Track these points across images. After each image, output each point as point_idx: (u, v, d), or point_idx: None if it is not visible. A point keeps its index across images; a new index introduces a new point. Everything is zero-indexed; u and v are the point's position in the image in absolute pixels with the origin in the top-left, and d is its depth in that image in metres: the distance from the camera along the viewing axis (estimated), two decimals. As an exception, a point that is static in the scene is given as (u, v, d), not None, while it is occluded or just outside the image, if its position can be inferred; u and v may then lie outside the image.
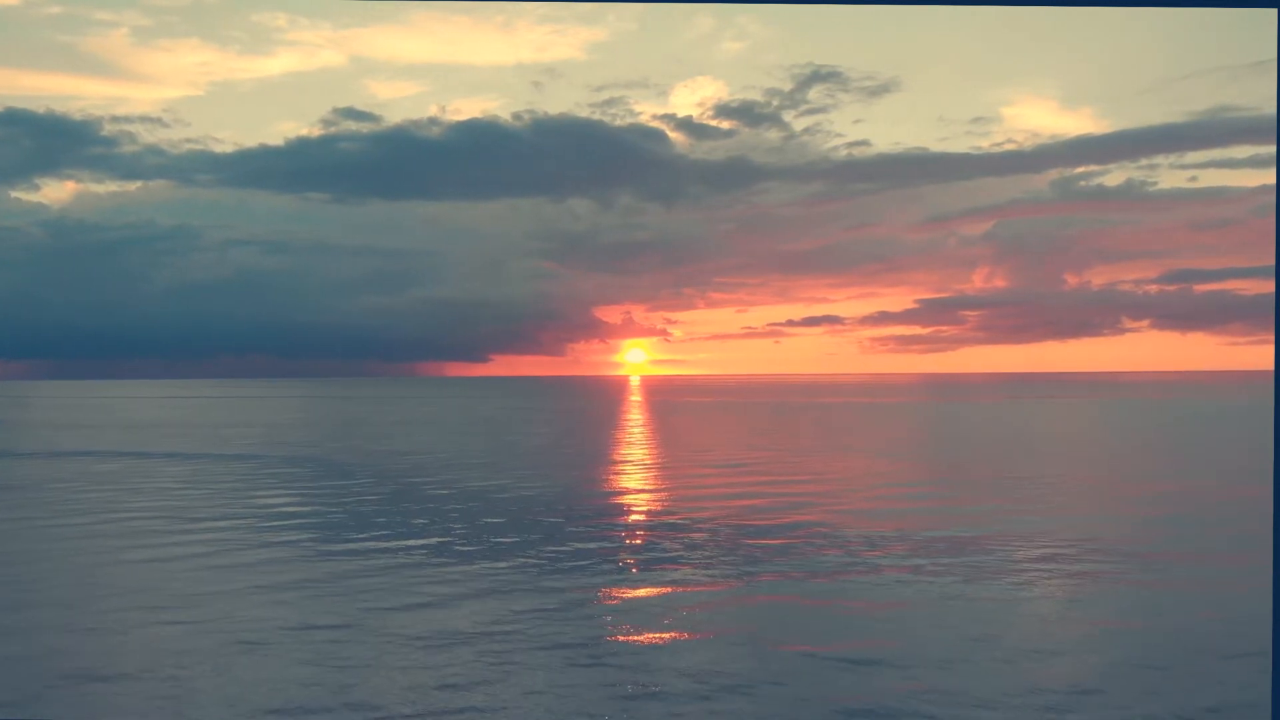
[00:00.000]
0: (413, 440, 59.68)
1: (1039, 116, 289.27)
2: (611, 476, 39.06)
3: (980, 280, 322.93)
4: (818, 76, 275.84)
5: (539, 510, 28.20)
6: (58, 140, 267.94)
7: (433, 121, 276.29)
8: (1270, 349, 3.80)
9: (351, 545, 22.74)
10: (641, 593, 18.01)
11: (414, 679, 13.09)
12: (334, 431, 69.98)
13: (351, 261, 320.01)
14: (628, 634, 15.18)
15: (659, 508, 29.67)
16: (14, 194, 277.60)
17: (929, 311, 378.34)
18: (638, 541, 23.63)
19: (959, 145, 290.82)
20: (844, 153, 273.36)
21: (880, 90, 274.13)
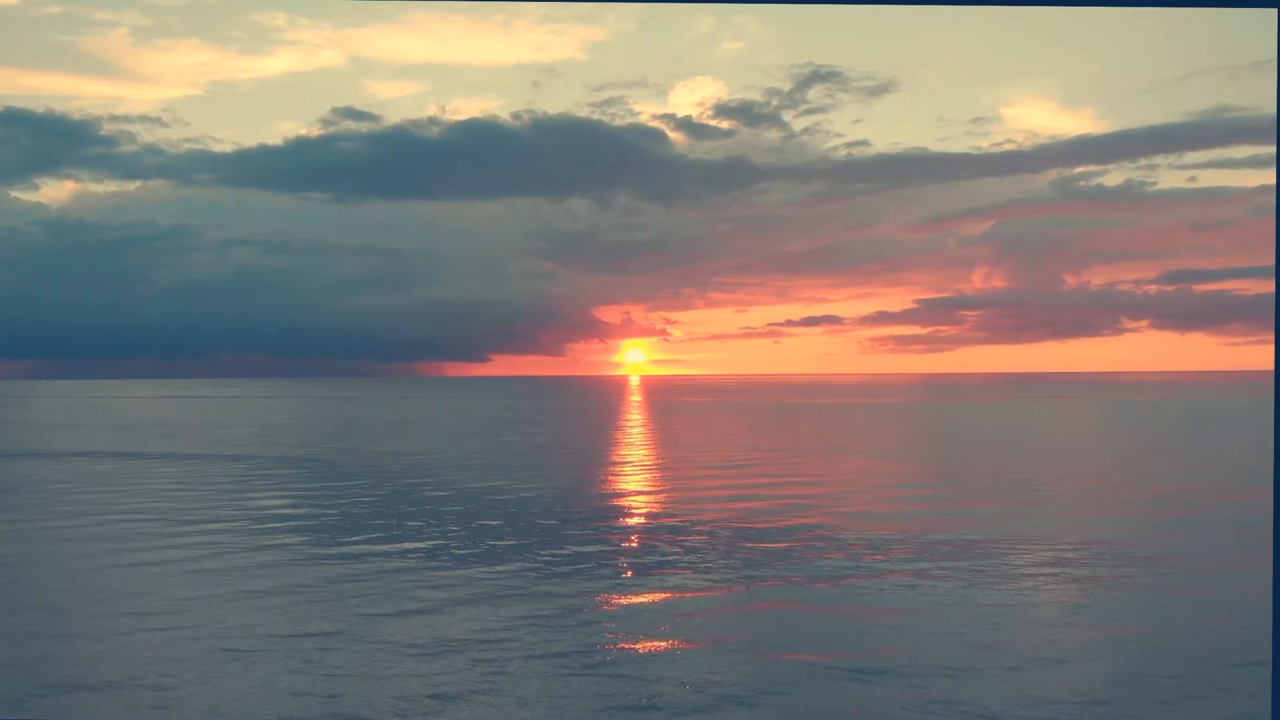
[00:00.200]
0: (410, 441, 59.33)
1: (1038, 117, 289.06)
2: (610, 478, 38.73)
3: (979, 280, 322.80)
4: (817, 76, 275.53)
5: (536, 512, 27.86)
6: (57, 140, 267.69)
7: (432, 121, 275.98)
8: (1270, 349, 3.83)
9: (345, 549, 22.39)
10: (639, 599, 17.67)
11: (405, 688, 12.75)
12: (331, 432, 69.63)
13: (351, 261, 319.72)
14: (625, 641, 14.84)
15: (658, 510, 29.32)
16: (13, 194, 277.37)
17: (928, 312, 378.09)
18: (636, 545, 23.29)
19: (958, 145, 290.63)
20: (843, 153, 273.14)
21: (880, 90, 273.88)
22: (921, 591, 17.88)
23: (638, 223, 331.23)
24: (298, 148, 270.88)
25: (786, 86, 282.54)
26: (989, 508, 28.74)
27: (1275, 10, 3.44)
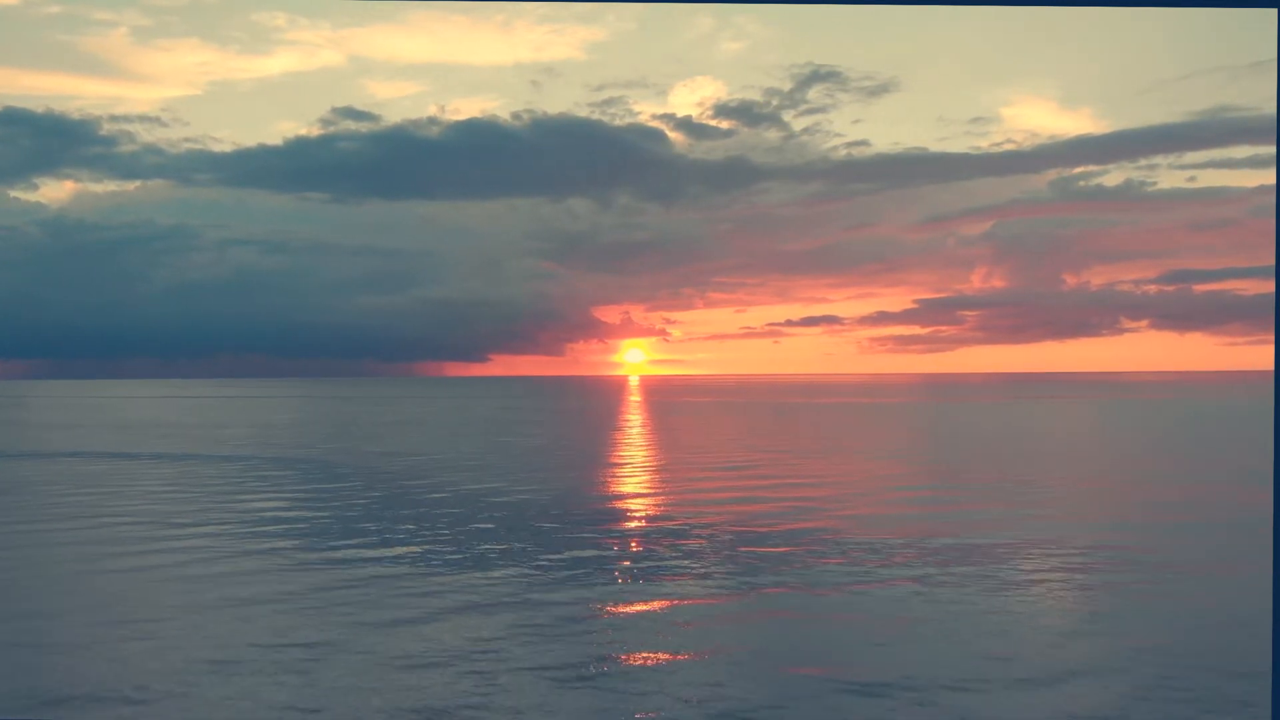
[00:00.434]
0: (408, 441, 58.82)
1: (1038, 117, 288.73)
2: (608, 480, 38.21)
3: (979, 280, 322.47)
4: (817, 76, 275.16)
5: (533, 515, 27.34)
6: (56, 140, 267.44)
7: (432, 121, 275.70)
8: (1270, 349, 3.80)
9: (335, 554, 21.87)
10: (637, 606, 17.14)
11: (391, 701, 12.24)
12: (328, 432, 69.13)
13: (350, 261, 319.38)
14: (622, 652, 14.32)
15: (657, 513, 28.80)
16: (12, 193, 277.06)
17: (928, 311, 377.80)
18: (634, 549, 22.78)
19: (958, 145, 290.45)
20: (843, 153, 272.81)
21: (879, 90, 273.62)
22: (927, 599, 17.37)
23: (637, 223, 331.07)
24: (297, 148, 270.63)
25: (786, 86, 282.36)
26: (993, 510, 28.23)
27: (1275, 10, 3.45)
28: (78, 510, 28.89)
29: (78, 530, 25.38)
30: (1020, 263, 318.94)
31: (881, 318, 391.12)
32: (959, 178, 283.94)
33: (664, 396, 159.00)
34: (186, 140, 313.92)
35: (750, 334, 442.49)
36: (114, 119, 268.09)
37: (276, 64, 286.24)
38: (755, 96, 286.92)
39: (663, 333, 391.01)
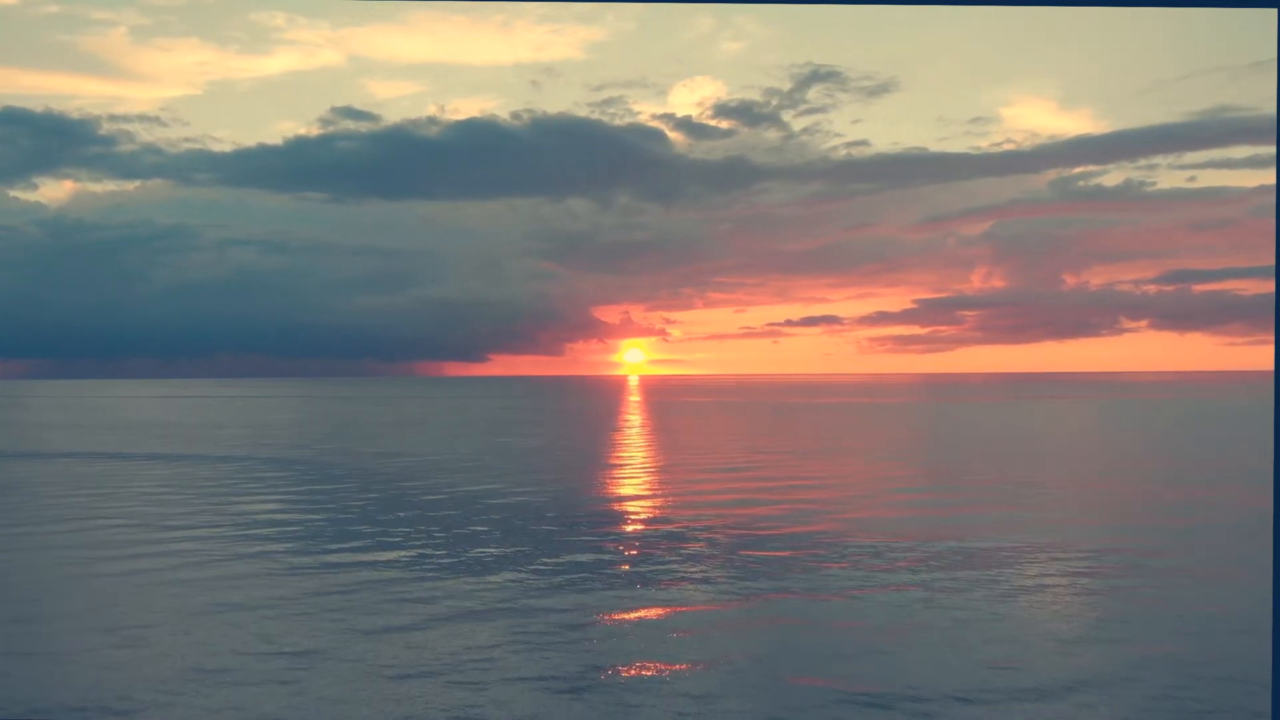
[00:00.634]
0: (406, 441, 58.47)
1: (1038, 117, 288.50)
2: (607, 481, 37.86)
3: (979, 280, 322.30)
4: (817, 76, 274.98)
5: (530, 518, 27.00)
6: (56, 139, 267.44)
7: (431, 121, 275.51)
8: (1270, 349, 3.78)
9: (327, 558, 21.53)
10: (634, 614, 16.79)
11: (381, 712, 11.91)
12: (326, 432, 68.78)
13: (350, 261, 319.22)
14: (618, 661, 13.97)
15: (656, 515, 28.44)
16: (12, 193, 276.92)
17: (927, 311, 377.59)
18: (633, 553, 22.42)
19: (958, 145, 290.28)
20: (843, 153, 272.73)
21: (879, 90, 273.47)
22: (931, 605, 17.03)
23: (637, 223, 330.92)
24: (297, 147, 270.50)
25: (786, 86, 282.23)
26: (995, 513, 27.89)
27: (1275, 10, 3.43)
28: (70, 512, 28.56)
29: (71, 533, 25.04)
30: (1020, 263, 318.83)
31: (881, 318, 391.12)
32: (959, 178, 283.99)
33: (663, 396, 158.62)
34: (186, 140, 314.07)
35: (750, 334, 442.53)
36: (113, 119, 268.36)
37: (276, 64, 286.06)
38: (755, 96, 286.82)
39: (662, 333, 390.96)
